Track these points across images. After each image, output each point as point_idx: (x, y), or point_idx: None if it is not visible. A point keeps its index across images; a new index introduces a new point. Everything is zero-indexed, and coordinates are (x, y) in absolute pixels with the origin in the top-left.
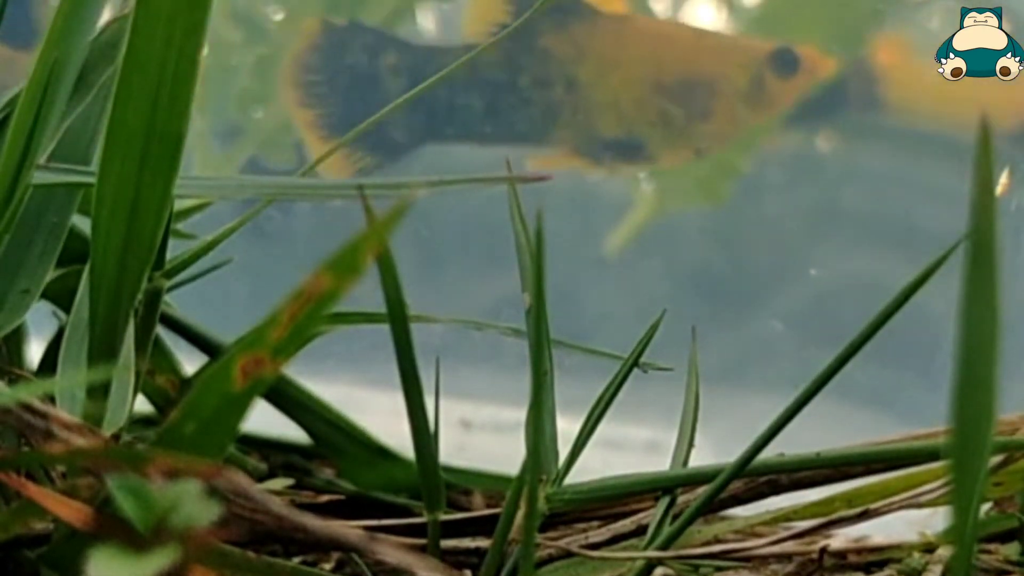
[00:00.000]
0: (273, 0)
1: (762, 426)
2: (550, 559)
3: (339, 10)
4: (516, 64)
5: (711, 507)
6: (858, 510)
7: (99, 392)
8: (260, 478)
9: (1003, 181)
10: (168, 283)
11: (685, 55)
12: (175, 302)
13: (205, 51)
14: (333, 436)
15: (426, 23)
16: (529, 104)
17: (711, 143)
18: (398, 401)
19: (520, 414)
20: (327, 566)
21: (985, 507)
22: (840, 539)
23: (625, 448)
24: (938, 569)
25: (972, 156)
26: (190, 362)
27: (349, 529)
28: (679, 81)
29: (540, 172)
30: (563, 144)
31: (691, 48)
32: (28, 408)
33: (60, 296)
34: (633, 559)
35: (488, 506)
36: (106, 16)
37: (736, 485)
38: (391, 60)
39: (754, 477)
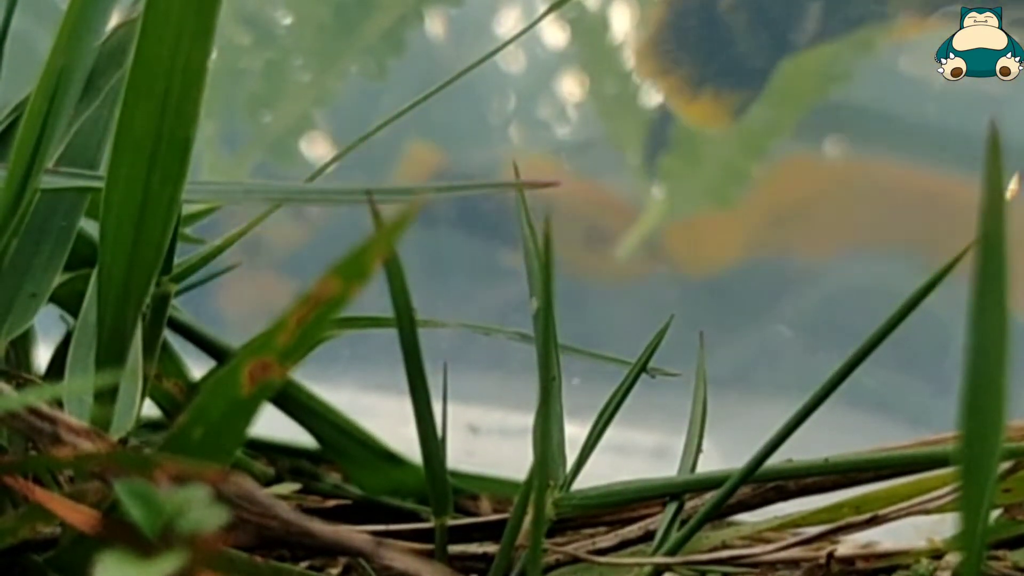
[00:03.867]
0: (282, 4)
1: (770, 432)
2: (557, 564)
3: (347, 13)
4: None
5: (719, 513)
6: (866, 516)
7: (107, 396)
8: (267, 483)
9: (1012, 187)
10: (176, 287)
11: None
12: (183, 306)
13: (213, 55)
14: (340, 441)
15: None
16: None
17: None
18: (405, 406)
19: (528, 419)
20: (334, 571)
21: (994, 513)
22: (848, 545)
23: (633, 453)
24: (946, 575)
25: (981, 161)
26: (197, 367)
27: (356, 534)
28: None
29: (548, 179)
30: (904, 9)
31: None
32: (36, 412)
33: (68, 300)
34: (640, 565)
35: (495, 511)
36: (114, 20)
37: (744, 491)
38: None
39: (762, 483)
